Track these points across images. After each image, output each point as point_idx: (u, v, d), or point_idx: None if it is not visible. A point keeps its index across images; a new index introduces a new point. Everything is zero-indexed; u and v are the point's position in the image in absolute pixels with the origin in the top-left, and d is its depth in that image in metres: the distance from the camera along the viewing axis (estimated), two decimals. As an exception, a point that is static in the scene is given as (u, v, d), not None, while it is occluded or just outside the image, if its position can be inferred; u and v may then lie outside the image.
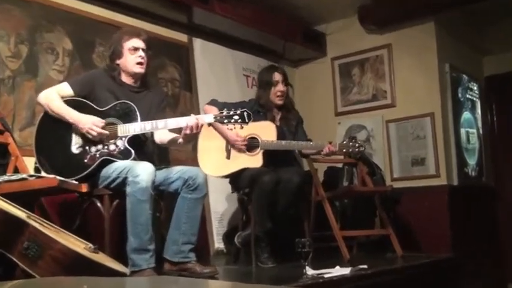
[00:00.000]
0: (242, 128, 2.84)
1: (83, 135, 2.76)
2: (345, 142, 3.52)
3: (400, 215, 4.52)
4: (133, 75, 2.93)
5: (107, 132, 2.73)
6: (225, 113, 2.77)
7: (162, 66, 4.21)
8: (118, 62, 2.91)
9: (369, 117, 5.13)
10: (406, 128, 4.93)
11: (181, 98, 4.35)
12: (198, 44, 4.53)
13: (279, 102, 3.61)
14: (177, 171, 2.82)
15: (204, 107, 3.62)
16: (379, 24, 5.02)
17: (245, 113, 2.78)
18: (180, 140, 2.83)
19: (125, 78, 2.94)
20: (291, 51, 5.35)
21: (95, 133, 2.70)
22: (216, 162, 3.48)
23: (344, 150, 3.51)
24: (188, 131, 2.72)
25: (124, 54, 2.89)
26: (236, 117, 2.77)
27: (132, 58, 2.88)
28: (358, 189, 4.01)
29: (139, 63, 2.89)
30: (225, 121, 2.76)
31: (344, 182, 4.27)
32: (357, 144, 3.49)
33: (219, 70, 4.69)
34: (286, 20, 4.97)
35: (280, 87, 3.60)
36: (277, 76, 3.63)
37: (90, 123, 2.70)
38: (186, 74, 4.41)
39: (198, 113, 4.34)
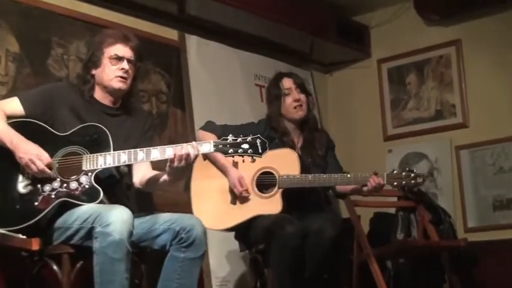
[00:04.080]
0: (254, 161, 2.79)
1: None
2: (395, 172, 3.49)
3: (478, 281, 4.46)
4: (112, 92, 2.95)
5: (49, 171, 2.73)
6: (229, 139, 2.74)
7: (143, 75, 4.23)
8: (94, 72, 2.94)
9: (432, 142, 5.10)
10: (485, 157, 4.89)
11: (169, 118, 4.36)
12: (193, 42, 4.56)
13: (299, 114, 3.60)
14: (165, 220, 2.81)
15: (197, 133, 3.61)
16: (443, 13, 5.03)
17: (258, 141, 2.72)
18: (165, 177, 2.83)
19: (99, 95, 2.96)
20: (322, 51, 5.36)
21: (35, 168, 2.70)
22: (217, 209, 3.46)
23: (395, 184, 3.47)
24: (176, 163, 2.71)
25: (103, 63, 2.91)
26: (245, 146, 2.72)
27: (112, 70, 2.90)
28: (418, 243, 3.97)
29: (121, 78, 2.91)
30: (230, 151, 2.73)
31: (398, 233, 4.23)
32: (412, 175, 3.45)
33: (222, 78, 4.71)
34: (314, 8, 5.00)
35: (295, 94, 3.61)
36: (286, 82, 3.65)
37: (35, 153, 2.71)
38: (177, 84, 4.44)
39: (193, 138, 4.36)
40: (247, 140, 2.73)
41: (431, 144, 5.10)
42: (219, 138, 3.38)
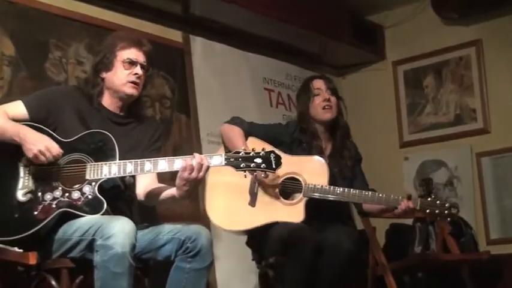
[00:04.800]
0: (267, 176, 2.81)
1: (35, 176, 2.77)
2: (429, 199, 3.48)
3: (502, 296, 4.46)
4: (121, 98, 2.97)
5: (58, 151, 2.72)
6: (242, 153, 2.73)
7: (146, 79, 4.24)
8: (104, 75, 2.96)
9: (451, 148, 5.10)
10: (508, 165, 4.89)
11: (174, 124, 4.37)
12: (199, 44, 4.58)
13: (327, 115, 3.58)
14: (169, 230, 2.80)
15: (221, 127, 3.58)
16: (463, 12, 5.03)
17: (272, 156, 2.73)
18: (173, 192, 2.84)
19: (107, 101, 2.98)
20: (334, 53, 5.38)
21: (43, 159, 2.68)
22: (234, 209, 3.41)
23: (428, 211, 3.47)
24: (186, 174, 2.72)
25: (115, 67, 2.92)
26: (258, 160, 2.72)
27: (125, 74, 2.93)
28: (438, 257, 3.96)
29: (133, 83, 2.94)
30: (242, 165, 2.73)
31: (416, 246, 4.23)
32: (447, 205, 3.44)
33: (228, 82, 4.73)
34: (326, 7, 5.02)
35: (325, 94, 3.61)
36: (317, 83, 3.65)
37: (45, 143, 2.71)
38: (181, 89, 4.45)
39: (199, 145, 4.37)
40: (261, 154, 2.74)
41: (450, 151, 5.10)
42: (245, 133, 3.41)
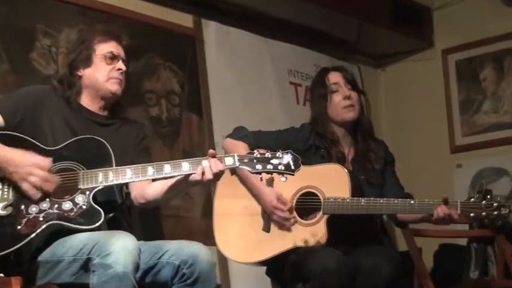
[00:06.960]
0: (286, 179, 2.84)
1: (16, 187, 2.76)
2: (473, 200, 3.46)
3: None
4: (104, 97, 3.04)
5: (56, 178, 2.75)
6: (256, 154, 2.81)
7: (150, 71, 4.27)
8: (82, 72, 3.02)
9: (513, 154, 5.09)
10: None
11: (183, 125, 4.39)
12: (212, 30, 4.59)
13: (349, 115, 3.59)
14: (165, 250, 2.80)
15: (223, 142, 3.63)
16: (528, -9, 5.03)
17: (290, 157, 2.80)
18: (177, 181, 2.88)
19: (87, 101, 3.05)
20: (372, 40, 5.38)
21: (37, 181, 2.71)
22: (246, 238, 3.45)
23: (472, 215, 3.44)
24: (199, 177, 2.76)
25: (94, 62, 3.01)
26: (275, 161, 2.79)
27: (107, 70, 3.01)
28: (499, 284, 3.95)
29: (117, 79, 3.03)
30: (257, 167, 2.79)
31: (472, 271, 4.20)
32: (495, 204, 3.42)
33: (248, 75, 4.74)
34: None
35: (344, 91, 3.61)
36: (333, 77, 3.65)
37: (32, 164, 2.74)
38: (192, 83, 4.46)
39: (212, 148, 4.38)
40: (277, 155, 2.80)
41: (512, 158, 5.08)
42: (251, 147, 3.43)
